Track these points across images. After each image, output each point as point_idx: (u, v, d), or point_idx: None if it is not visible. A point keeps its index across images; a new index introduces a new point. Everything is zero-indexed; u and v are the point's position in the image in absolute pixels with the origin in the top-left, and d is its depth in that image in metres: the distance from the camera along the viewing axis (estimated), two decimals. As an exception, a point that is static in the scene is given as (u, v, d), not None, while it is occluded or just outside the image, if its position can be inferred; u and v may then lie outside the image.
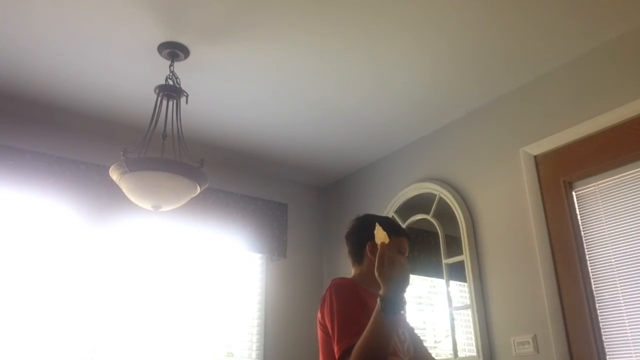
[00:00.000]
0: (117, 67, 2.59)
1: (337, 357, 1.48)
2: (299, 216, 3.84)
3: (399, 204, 3.25)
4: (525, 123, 2.68)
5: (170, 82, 2.44)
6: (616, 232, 2.27)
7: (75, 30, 2.33)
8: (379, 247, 1.45)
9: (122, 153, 2.24)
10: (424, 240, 3.11)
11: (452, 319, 2.81)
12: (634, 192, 2.25)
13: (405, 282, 1.42)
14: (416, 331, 1.89)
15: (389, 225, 1.67)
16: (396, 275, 1.40)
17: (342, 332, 1.49)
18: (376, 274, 1.42)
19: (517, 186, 2.65)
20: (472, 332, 2.66)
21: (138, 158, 2.26)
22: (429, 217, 3.04)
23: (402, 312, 1.46)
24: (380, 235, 1.49)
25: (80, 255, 2.96)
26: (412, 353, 1.70)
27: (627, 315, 2.17)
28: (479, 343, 2.60)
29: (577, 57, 2.52)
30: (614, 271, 2.25)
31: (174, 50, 2.42)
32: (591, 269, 2.32)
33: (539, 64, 2.58)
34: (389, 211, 3.28)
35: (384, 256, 1.42)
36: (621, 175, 2.30)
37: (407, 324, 1.84)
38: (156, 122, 2.40)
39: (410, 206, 3.20)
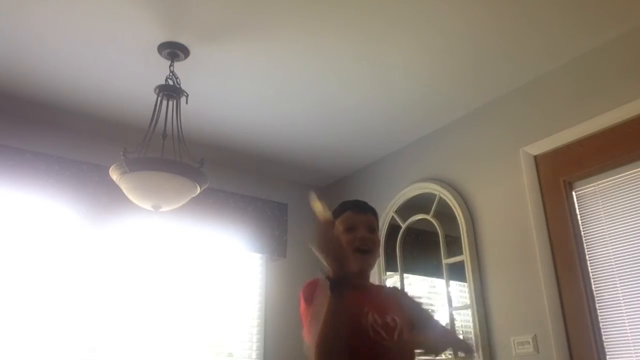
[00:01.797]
0: (117, 67, 2.59)
1: None
2: (299, 216, 3.83)
3: (399, 204, 3.25)
4: (525, 123, 2.68)
5: (170, 82, 2.44)
6: (616, 232, 2.27)
7: (75, 30, 2.33)
8: (316, 224, 1.40)
9: (122, 153, 2.24)
10: (424, 240, 3.11)
11: (452, 319, 2.81)
12: (634, 192, 2.25)
13: (341, 258, 1.39)
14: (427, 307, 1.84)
15: (334, 211, 1.67)
16: (332, 253, 1.38)
17: (310, 330, 1.50)
18: (317, 253, 1.40)
19: (517, 186, 2.65)
20: (472, 332, 2.66)
21: (138, 158, 2.26)
22: (429, 217, 3.04)
23: (346, 289, 1.38)
24: (317, 207, 1.41)
25: (80, 256, 2.96)
26: (404, 337, 1.61)
27: (627, 315, 2.17)
28: (479, 343, 2.60)
29: (577, 57, 2.52)
30: (614, 271, 2.25)
31: (174, 50, 2.42)
32: (591, 269, 2.32)
33: (539, 64, 2.58)
34: (389, 211, 3.28)
35: (319, 234, 1.39)
36: (621, 175, 2.30)
37: (410, 307, 1.76)
38: (156, 122, 2.40)
39: (410, 206, 3.20)
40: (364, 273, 1.69)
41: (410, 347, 1.66)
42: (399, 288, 1.99)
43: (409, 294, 1.87)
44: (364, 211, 1.71)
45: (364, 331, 1.51)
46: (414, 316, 1.76)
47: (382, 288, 1.97)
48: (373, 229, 1.69)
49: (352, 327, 1.49)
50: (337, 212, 1.70)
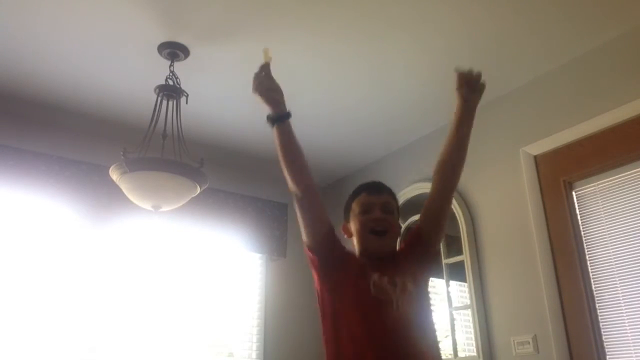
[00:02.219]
0: (117, 67, 2.59)
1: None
2: (299, 216, 3.83)
3: (399, 204, 3.24)
4: (525, 123, 2.68)
5: (170, 82, 2.44)
6: (616, 232, 2.27)
7: (75, 30, 2.33)
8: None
9: (122, 153, 2.24)
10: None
11: (452, 319, 2.81)
12: (634, 192, 2.25)
13: (266, 95, 1.56)
14: None
15: (351, 193, 1.73)
16: (258, 91, 1.56)
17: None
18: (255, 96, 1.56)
19: (517, 186, 2.65)
20: (472, 332, 2.66)
21: (138, 158, 2.26)
22: (429, 217, 3.03)
23: (283, 120, 1.62)
24: (266, 53, 1.64)
25: (80, 256, 2.96)
26: (408, 296, 1.54)
27: (627, 315, 2.17)
28: (479, 343, 2.60)
29: (576, 57, 2.52)
30: (614, 271, 2.25)
31: (174, 50, 2.42)
32: (591, 269, 2.32)
33: (539, 64, 2.58)
34: (389, 211, 3.27)
35: (255, 76, 1.58)
36: (621, 175, 2.30)
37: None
38: (156, 122, 2.40)
39: (410, 206, 3.20)
40: (382, 255, 1.62)
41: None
42: None
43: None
44: (378, 192, 1.71)
45: (366, 289, 1.51)
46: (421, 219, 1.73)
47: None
48: (389, 210, 1.68)
49: (355, 289, 1.53)
50: (353, 195, 1.73)
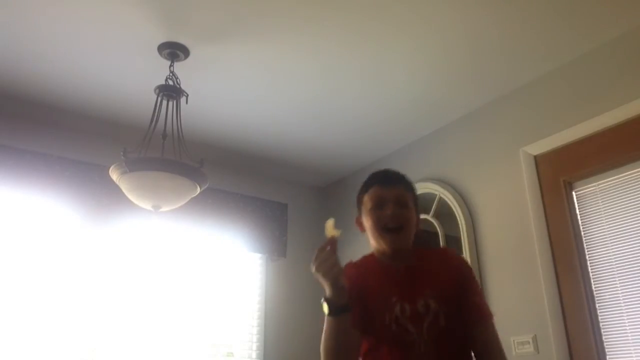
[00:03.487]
0: (117, 67, 2.59)
1: None
2: (299, 216, 3.83)
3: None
4: (525, 123, 2.68)
5: (170, 82, 2.44)
6: (616, 232, 2.27)
7: (75, 30, 2.33)
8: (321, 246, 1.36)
9: (122, 153, 2.24)
10: (424, 240, 3.11)
11: (452, 319, 2.80)
12: (634, 192, 2.25)
13: (333, 283, 1.33)
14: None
15: (363, 185, 1.58)
16: (324, 275, 1.33)
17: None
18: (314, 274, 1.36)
19: (517, 186, 2.65)
20: (472, 332, 2.65)
21: (138, 158, 2.26)
22: (429, 217, 3.04)
23: (343, 313, 1.35)
24: (328, 227, 1.40)
25: (80, 256, 2.96)
26: (437, 329, 1.47)
27: (627, 315, 2.17)
28: (479, 343, 2.59)
29: (577, 57, 2.52)
30: (614, 271, 2.25)
31: (174, 50, 2.42)
32: (591, 269, 2.32)
33: (539, 64, 2.58)
34: (389, 211, 3.27)
35: (318, 255, 1.34)
36: (621, 175, 2.30)
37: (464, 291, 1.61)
38: (156, 122, 2.40)
39: (410, 206, 3.20)
40: (400, 252, 1.54)
41: None
42: (464, 262, 1.74)
43: (472, 277, 1.69)
44: (392, 184, 1.56)
45: (387, 326, 1.43)
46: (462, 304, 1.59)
47: (431, 258, 1.68)
48: (404, 203, 1.53)
49: (377, 322, 1.44)
50: (365, 187, 1.59)
